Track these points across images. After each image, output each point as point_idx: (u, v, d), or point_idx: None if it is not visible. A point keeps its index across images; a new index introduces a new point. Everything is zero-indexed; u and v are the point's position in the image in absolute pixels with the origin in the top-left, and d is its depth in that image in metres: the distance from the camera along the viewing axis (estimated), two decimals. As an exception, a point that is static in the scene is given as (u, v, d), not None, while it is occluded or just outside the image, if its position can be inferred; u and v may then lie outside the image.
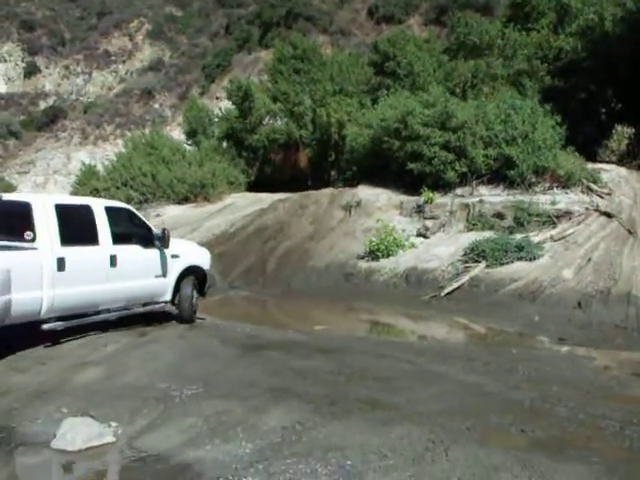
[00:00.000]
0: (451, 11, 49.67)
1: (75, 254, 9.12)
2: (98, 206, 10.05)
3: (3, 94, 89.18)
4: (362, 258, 18.92)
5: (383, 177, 23.15)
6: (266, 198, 25.50)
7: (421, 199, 20.72)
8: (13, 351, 8.70)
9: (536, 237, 17.29)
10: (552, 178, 20.17)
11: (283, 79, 32.86)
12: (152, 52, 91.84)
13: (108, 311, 9.97)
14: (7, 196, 9.86)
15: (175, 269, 11.07)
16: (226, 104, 38.47)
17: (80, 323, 9.44)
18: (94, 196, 29.36)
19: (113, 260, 9.75)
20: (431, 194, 20.52)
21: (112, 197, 29.37)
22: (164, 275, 10.88)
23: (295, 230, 22.22)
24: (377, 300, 16.24)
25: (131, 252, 10.27)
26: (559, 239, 17.07)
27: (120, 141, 55.97)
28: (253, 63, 61.23)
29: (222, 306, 15.92)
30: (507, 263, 16.28)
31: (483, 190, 20.74)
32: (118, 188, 29.90)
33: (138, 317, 10.62)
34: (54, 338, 9.03)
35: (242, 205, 26.13)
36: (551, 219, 18.10)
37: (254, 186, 30.70)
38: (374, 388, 7.30)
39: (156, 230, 10.94)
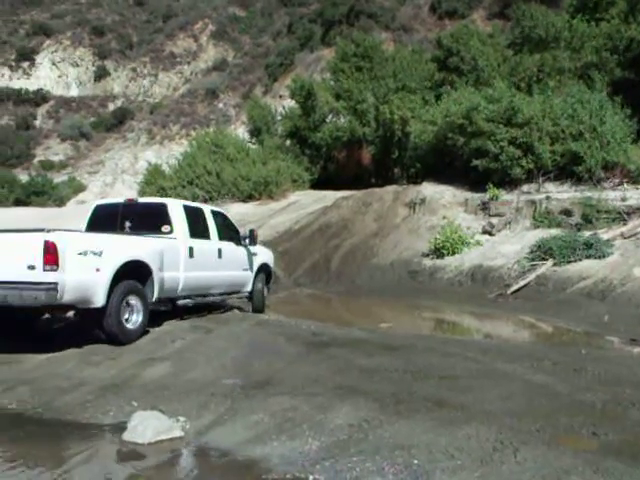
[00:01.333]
0: (515, 4, 48.86)
1: (198, 245, 11.09)
2: (207, 209, 12.30)
3: (75, 97, 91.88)
4: (427, 256, 18.81)
5: (447, 174, 22.95)
6: (330, 196, 25.56)
7: (486, 196, 20.45)
8: (86, 344, 8.98)
9: (605, 234, 16.83)
10: (622, 173, 19.64)
11: (346, 77, 32.86)
12: (216, 52, 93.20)
13: (212, 295, 11.88)
14: (142, 199, 12.57)
15: (255, 265, 13.10)
16: (289, 103, 38.73)
17: (200, 302, 11.40)
18: (161, 195, 30.09)
19: (220, 252, 11.82)
20: (497, 191, 20.24)
21: (178, 195, 29.92)
22: (249, 269, 12.93)
23: (359, 228, 22.22)
24: (442, 298, 16.11)
25: (229, 247, 12.23)
26: (630, 236, 16.58)
27: (185, 140, 56.96)
28: (316, 61, 61.37)
29: (287, 303, 16.01)
30: (575, 261, 15.91)
31: (550, 186, 20.34)
32: (184, 187, 30.44)
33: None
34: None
35: (306, 203, 26.25)
36: (621, 216, 17.60)
37: (317, 184, 30.83)
38: (440, 387, 7.22)
39: (243, 231, 13.05)
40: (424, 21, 62.73)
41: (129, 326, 9.23)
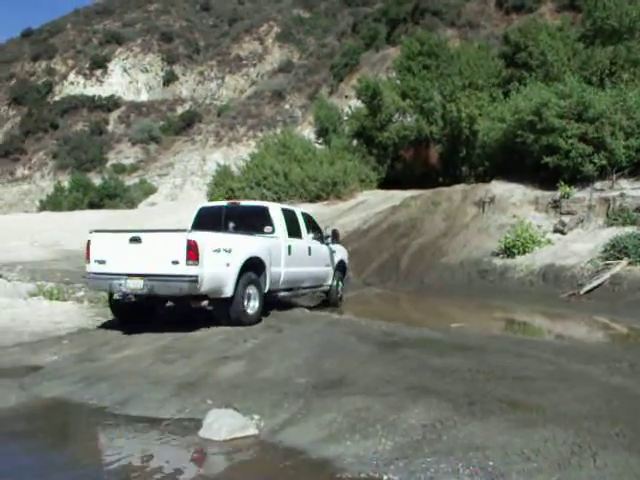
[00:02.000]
0: (586, -5, 47.80)
1: (294, 243, 12.43)
2: (297, 211, 13.61)
3: (145, 102, 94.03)
4: (497, 255, 18.58)
5: (517, 172, 22.61)
6: (398, 195, 25.51)
7: (557, 194, 20.07)
8: (163, 340, 9.22)
9: (683, 232, 16.35)
10: (701, 168, 19.02)
11: (412, 75, 32.72)
12: (281, 54, 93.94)
13: (302, 288, 13.28)
14: (244, 202, 13.94)
15: (335, 261, 14.52)
16: (355, 103, 38.76)
17: (294, 295, 13.19)
18: (229, 195, 30.60)
19: (309, 250, 13.17)
20: (568, 189, 19.84)
21: (246, 197, 30.39)
22: (331, 265, 14.34)
23: (428, 227, 22.11)
24: (513, 298, 15.90)
25: (316, 245, 13.57)
26: None
27: (252, 142, 57.68)
28: (381, 61, 61.21)
29: (356, 303, 16.06)
30: (652, 260, 15.49)
31: (624, 183, 19.81)
32: (252, 188, 30.83)
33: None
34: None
35: (374, 202, 26.26)
36: (700, 212, 17.06)
37: (385, 183, 30.79)
38: (514, 388, 7.14)
39: (326, 230, 14.47)
40: (490, 16, 61.82)
41: (249, 311, 10.66)
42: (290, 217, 12.83)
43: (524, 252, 18.01)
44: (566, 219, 19.14)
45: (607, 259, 16.14)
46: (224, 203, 13.79)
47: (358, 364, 8.26)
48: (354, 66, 65.80)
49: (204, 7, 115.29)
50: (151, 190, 69.84)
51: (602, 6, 29.31)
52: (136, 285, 9.79)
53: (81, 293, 14.79)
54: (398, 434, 5.97)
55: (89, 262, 10.43)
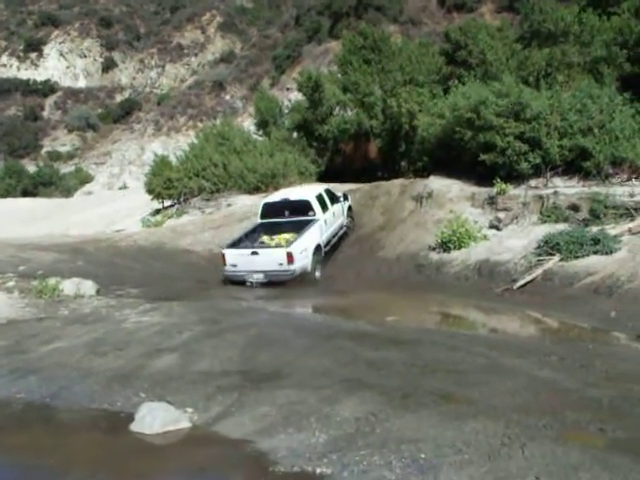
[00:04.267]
0: (524, -2, 48.73)
1: (326, 216, 19.28)
2: (322, 192, 20.07)
3: (82, 88, 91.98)
4: (433, 249, 18.75)
5: (455, 168, 22.88)
6: (337, 188, 25.53)
7: (494, 190, 20.35)
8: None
9: (613, 230, 16.73)
10: (630, 169, 19.50)
11: (353, 69, 32.71)
12: (223, 44, 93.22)
13: (333, 238, 20.00)
14: (293, 197, 19.56)
15: (345, 209, 21.57)
16: (296, 95, 38.71)
17: (331, 246, 19.71)
18: (167, 186, 30.29)
19: (333, 214, 20.02)
20: (504, 185, 20.14)
21: (184, 187, 30.11)
22: (344, 214, 21.38)
23: (366, 220, 22.25)
24: (448, 292, 16.10)
25: (336, 207, 20.42)
26: (637, 232, 16.48)
27: (192, 132, 57.09)
28: (323, 54, 61.26)
29: (293, 296, 16.05)
30: (582, 256, 15.82)
31: (558, 181, 20.24)
32: (190, 178, 30.53)
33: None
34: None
35: (312, 195, 26.25)
36: (629, 212, 17.49)
37: (325, 176, 30.79)
38: (447, 381, 7.22)
39: (339, 194, 21.47)
40: (432, 14, 62.51)
41: (317, 275, 17.94)
42: (320, 199, 19.37)
43: (460, 247, 18.23)
44: (501, 215, 19.45)
45: (540, 255, 16.47)
46: (278, 198, 19.82)
47: (293, 357, 8.24)
48: (296, 58, 65.70)
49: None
50: (87, 179, 68.45)
51: (539, 10, 29.93)
52: (259, 277, 16.96)
53: (11, 283, 14.38)
54: (332, 427, 5.98)
55: (226, 265, 17.40)
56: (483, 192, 20.79)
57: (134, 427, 6.23)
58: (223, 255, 17.46)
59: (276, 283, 16.79)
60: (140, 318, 10.53)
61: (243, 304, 13.65)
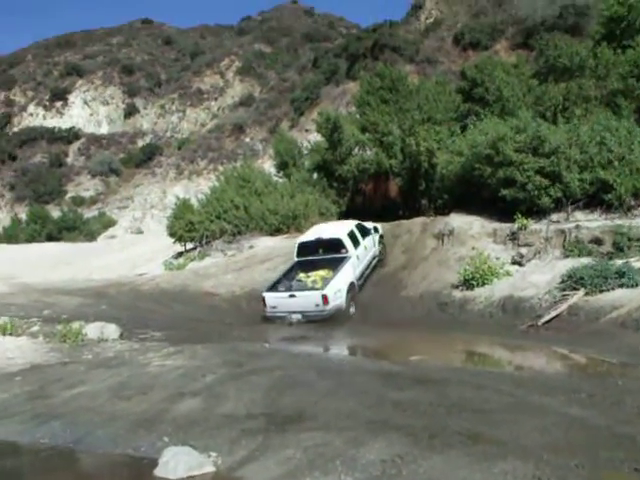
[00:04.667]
0: (538, 34, 48.98)
1: (358, 251, 20.27)
2: (353, 227, 21.04)
3: (105, 134, 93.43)
4: (456, 287, 18.63)
5: (475, 204, 22.84)
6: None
7: (515, 226, 20.26)
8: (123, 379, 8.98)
9: (637, 262, 16.56)
10: (653, 201, 19.39)
11: (371, 110, 32.98)
12: (242, 88, 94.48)
13: (366, 270, 20.85)
14: (325, 236, 20.45)
15: (376, 240, 22.44)
16: (315, 136, 38.95)
17: (364, 279, 20.57)
18: (189, 228, 30.48)
19: (365, 248, 20.95)
20: (525, 220, 20.05)
21: (206, 230, 30.27)
22: (375, 245, 22.23)
23: (388, 259, 22.23)
24: (472, 330, 15.93)
25: (367, 240, 21.33)
26: (663, 264, 16.29)
27: (213, 175, 57.51)
28: (341, 95, 61.88)
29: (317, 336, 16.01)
30: (607, 290, 15.61)
31: (579, 215, 20.11)
32: (212, 221, 30.70)
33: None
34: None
35: (334, 236, 26.26)
36: (653, 243, 17.32)
37: (345, 216, 30.76)
38: (474, 421, 7.08)
39: (370, 225, 22.51)
40: (448, 53, 63.03)
41: (352, 311, 18.59)
42: (352, 236, 20.44)
43: (483, 284, 18.10)
44: (524, 251, 19.32)
45: (564, 290, 16.28)
46: (312, 237, 20.79)
47: (317, 399, 8.15)
48: (314, 100, 66.40)
49: (166, 41, 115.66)
50: (110, 223, 69.10)
51: (554, 46, 30.11)
52: (297, 317, 17.87)
53: (36, 328, 14.45)
54: (357, 470, 5.87)
55: (267, 307, 18.36)
56: (504, 228, 20.70)
57: (158, 472, 6.18)
58: (264, 298, 18.48)
59: (313, 321, 17.83)
60: (163, 361, 10.51)
61: (267, 346, 13.60)
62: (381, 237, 23.10)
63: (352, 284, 19.01)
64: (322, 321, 17.48)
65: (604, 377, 11.01)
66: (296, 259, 20.69)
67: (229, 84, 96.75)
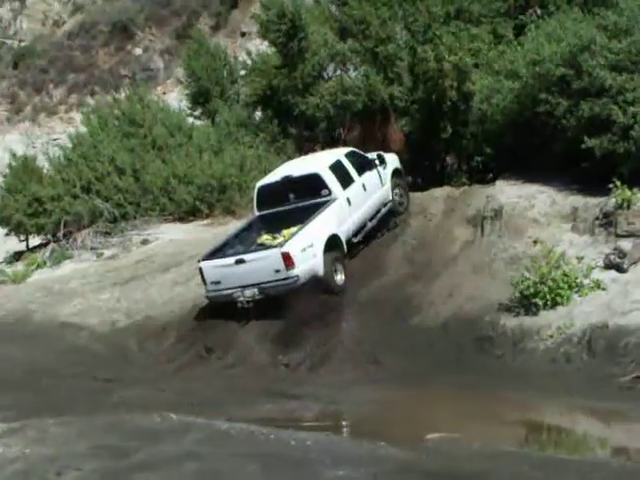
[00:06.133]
0: None
1: (350, 192, 22.36)
2: (341, 158, 23.34)
3: None
4: (507, 310, 18.73)
5: (539, 165, 22.98)
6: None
7: (610, 202, 20.39)
8: None
9: None
10: None
11: (357, -2, 32.91)
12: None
13: (369, 221, 23.22)
14: (297, 172, 22.86)
15: (388, 177, 24.51)
16: (258, 45, 38.85)
17: (364, 233, 22.83)
18: (34, 210, 30.19)
19: (364, 186, 23.14)
20: (628, 192, 20.17)
21: (65, 212, 29.97)
22: (384, 184, 24.21)
23: (387, 262, 22.27)
24: (535, 385, 16.08)
25: (367, 177, 23.43)
26: None
27: (77, 115, 57.12)
28: (304, -29, 61.64)
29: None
30: None
31: None
32: (75, 197, 30.43)
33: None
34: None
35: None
36: None
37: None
38: None
39: (372, 156, 24.52)
40: None
41: (339, 280, 20.91)
42: (338, 169, 22.59)
43: (554, 304, 18.21)
44: (626, 245, 19.43)
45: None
46: (278, 177, 23.12)
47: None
48: (256, -20, 66.19)
49: None
50: None
51: None
52: (252, 293, 19.73)
53: None
54: None
55: (206, 284, 20.47)
56: (591, 205, 20.86)
57: None
58: (200, 270, 20.47)
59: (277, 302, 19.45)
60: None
61: (172, 417, 13.55)
62: (396, 173, 25.36)
63: (335, 238, 21.04)
64: (290, 296, 19.33)
65: None
66: (257, 213, 23.27)
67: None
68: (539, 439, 14.01)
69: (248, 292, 19.44)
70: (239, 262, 19.74)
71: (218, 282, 19.91)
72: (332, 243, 20.53)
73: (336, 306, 20.44)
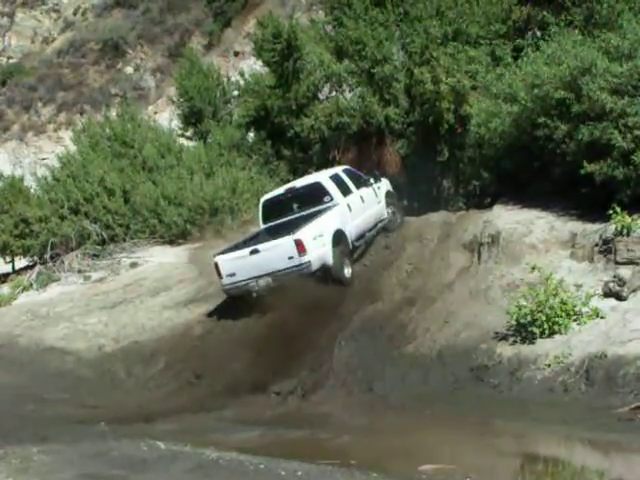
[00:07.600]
0: None
1: (350, 200, 24.59)
2: (339, 172, 25.96)
3: None
4: (503, 338, 18.74)
5: (538, 190, 23.01)
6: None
7: (610, 228, 20.42)
8: None
9: None
10: None
11: (354, 17, 32.94)
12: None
13: (368, 232, 25.26)
14: (300, 184, 25.68)
15: (382, 196, 26.79)
16: (253, 65, 38.95)
17: (365, 240, 25.09)
18: (21, 231, 30.14)
19: (362, 199, 25.36)
20: (628, 218, 20.19)
21: (52, 233, 29.95)
22: (380, 201, 26.56)
23: (382, 288, 22.27)
24: (533, 415, 16.06)
25: (364, 192, 25.73)
26: None
27: (65, 133, 57.16)
28: (299, -8, 61.94)
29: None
30: None
31: None
32: (63, 218, 30.43)
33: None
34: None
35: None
36: None
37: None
38: None
39: (369, 176, 26.77)
40: None
41: (347, 274, 23.00)
42: (337, 179, 25.04)
43: (552, 332, 18.19)
44: (625, 273, 19.45)
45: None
46: (281, 190, 25.81)
47: None
48: (251, -1, 66.46)
49: None
50: None
51: None
52: (266, 282, 21.75)
53: None
54: None
55: (222, 278, 22.38)
56: (590, 232, 20.89)
57: None
58: (216, 265, 22.47)
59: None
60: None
61: (160, 445, 13.52)
62: (388, 195, 27.59)
63: (341, 234, 23.34)
64: (304, 281, 21.39)
65: None
66: (262, 226, 25.33)
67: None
68: (536, 471, 13.99)
69: (262, 282, 21.52)
70: (253, 252, 21.89)
71: (233, 274, 21.84)
72: (338, 238, 22.71)
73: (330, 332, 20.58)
